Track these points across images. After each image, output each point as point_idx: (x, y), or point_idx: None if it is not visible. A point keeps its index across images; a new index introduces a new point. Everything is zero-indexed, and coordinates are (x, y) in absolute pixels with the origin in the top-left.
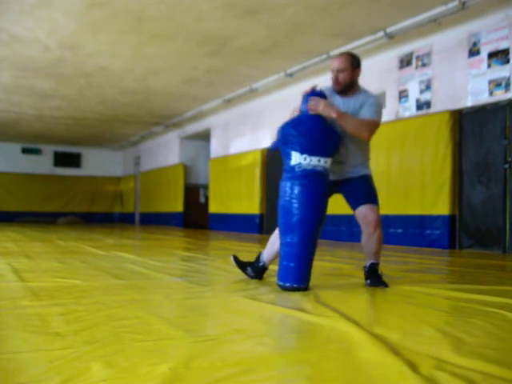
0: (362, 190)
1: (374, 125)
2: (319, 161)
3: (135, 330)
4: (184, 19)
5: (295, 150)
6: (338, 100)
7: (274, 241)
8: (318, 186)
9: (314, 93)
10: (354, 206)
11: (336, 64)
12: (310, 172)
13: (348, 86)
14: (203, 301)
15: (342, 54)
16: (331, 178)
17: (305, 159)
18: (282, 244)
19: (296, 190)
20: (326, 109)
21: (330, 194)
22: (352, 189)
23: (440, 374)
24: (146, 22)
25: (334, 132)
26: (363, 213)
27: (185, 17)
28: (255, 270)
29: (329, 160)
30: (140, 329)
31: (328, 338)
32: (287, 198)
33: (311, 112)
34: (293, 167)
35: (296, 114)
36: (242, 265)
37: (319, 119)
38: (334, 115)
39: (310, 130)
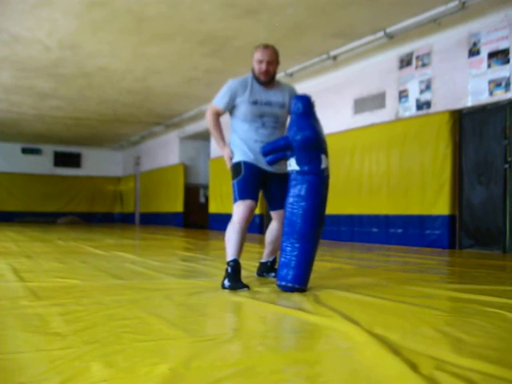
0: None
1: None
2: (327, 163)
3: (135, 330)
4: (184, 19)
5: (324, 154)
6: (261, 90)
7: (235, 239)
8: (325, 189)
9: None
10: (277, 206)
11: (266, 56)
12: (326, 176)
13: (272, 77)
14: (203, 301)
15: (268, 46)
16: (266, 167)
17: (327, 162)
18: (286, 245)
19: (323, 193)
20: None
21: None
22: (280, 189)
23: (440, 374)
24: (145, 22)
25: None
26: (282, 214)
27: (185, 17)
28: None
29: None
30: (140, 329)
31: (328, 337)
32: (316, 201)
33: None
34: (322, 170)
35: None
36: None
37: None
38: None
39: (323, 135)
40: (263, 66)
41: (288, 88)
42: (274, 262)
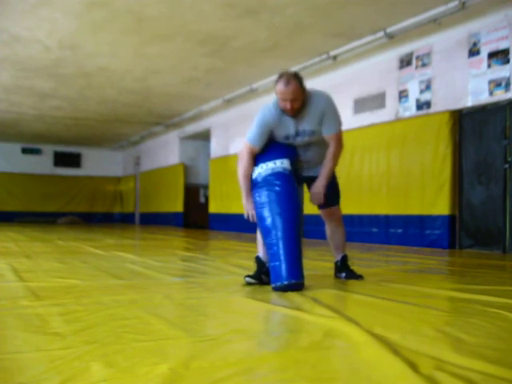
0: (331, 192)
1: (340, 138)
2: (275, 163)
3: (135, 330)
4: (184, 19)
5: (256, 166)
6: (290, 121)
7: (259, 236)
8: (282, 185)
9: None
10: (322, 205)
11: (289, 95)
12: (270, 175)
13: (299, 109)
14: (203, 301)
15: (290, 82)
16: (303, 174)
17: (262, 168)
18: (266, 248)
19: (263, 195)
20: (320, 190)
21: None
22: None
23: (440, 374)
24: (146, 22)
25: (287, 147)
26: (331, 212)
27: (185, 17)
28: (267, 274)
29: (285, 161)
30: (140, 329)
31: (328, 337)
32: (258, 205)
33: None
34: (256, 179)
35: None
36: (258, 277)
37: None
38: (325, 184)
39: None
40: (288, 105)
41: (320, 108)
42: (342, 260)
